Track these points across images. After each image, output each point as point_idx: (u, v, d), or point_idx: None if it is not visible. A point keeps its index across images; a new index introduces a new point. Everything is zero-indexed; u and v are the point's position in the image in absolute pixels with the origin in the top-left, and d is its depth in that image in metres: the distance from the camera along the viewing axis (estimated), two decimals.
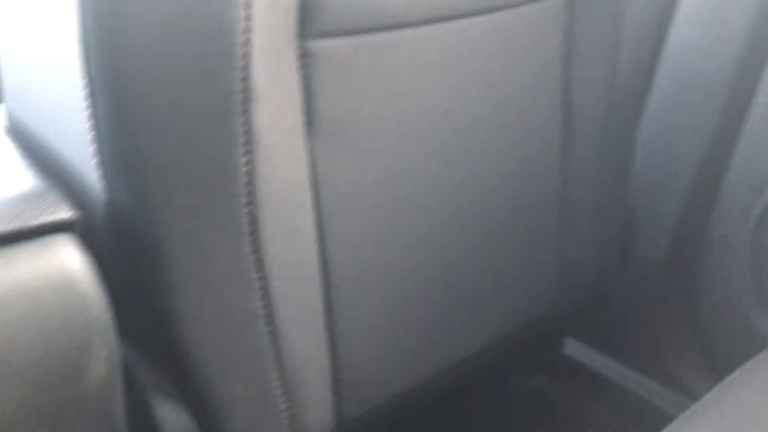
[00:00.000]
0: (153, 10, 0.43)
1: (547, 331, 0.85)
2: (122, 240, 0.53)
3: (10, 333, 0.43)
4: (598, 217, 0.75)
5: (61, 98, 0.55)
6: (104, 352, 0.46)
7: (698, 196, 0.80)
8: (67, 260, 0.46)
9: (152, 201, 0.50)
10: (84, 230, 0.48)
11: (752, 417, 0.47)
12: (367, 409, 0.63)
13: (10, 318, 0.43)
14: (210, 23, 0.43)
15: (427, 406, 0.74)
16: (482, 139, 0.62)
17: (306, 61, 0.50)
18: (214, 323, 0.53)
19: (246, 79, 0.44)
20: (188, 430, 0.55)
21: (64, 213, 0.47)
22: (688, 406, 0.50)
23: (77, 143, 0.53)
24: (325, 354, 0.58)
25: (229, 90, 0.44)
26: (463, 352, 0.70)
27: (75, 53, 0.48)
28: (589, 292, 0.81)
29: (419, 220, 0.61)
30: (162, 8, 0.43)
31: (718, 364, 0.84)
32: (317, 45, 0.50)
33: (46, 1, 0.54)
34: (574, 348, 0.96)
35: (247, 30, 0.43)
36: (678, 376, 0.87)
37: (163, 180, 0.49)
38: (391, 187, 0.58)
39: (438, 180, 0.61)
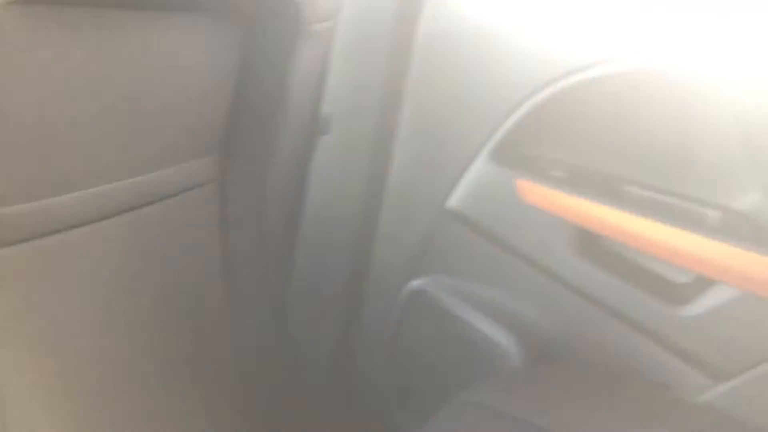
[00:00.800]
0: None
1: None
2: None
3: None
4: (265, 353, 0.87)
5: None
6: None
7: (344, 312, 0.97)
8: None
9: None
10: None
11: None
12: None
13: None
14: None
15: None
16: (153, 314, 0.70)
17: None
18: None
19: None
20: None
21: None
22: None
23: None
24: None
25: None
26: None
27: None
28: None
29: (101, 401, 0.65)
30: None
31: None
32: None
33: None
34: None
35: None
36: None
37: None
38: (70, 377, 0.62)
39: (116, 361, 0.66)
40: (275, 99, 0.72)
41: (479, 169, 0.85)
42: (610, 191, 0.79)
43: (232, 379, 0.82)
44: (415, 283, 0.92)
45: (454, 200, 0.87)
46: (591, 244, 0.81)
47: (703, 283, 0.75)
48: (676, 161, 0.77)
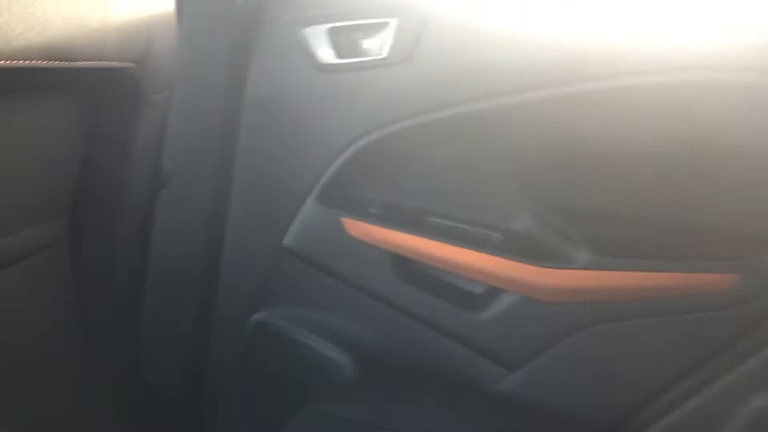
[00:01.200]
0: None
1: None
2: None
3: None
4: (120, 392, 0.93)
5: None
6: None
7: (194, 348, 1.05)
8: None
9: None
10: None
11: None
12: None
13: None
14: None
15: None
16: (10, 373, 0.74)
17: None
18: None
19: None
20: None
21: None
22: None
23: None
24: None
25: None
26: None
27: None
28: None
29: None
30: None
31: None
32: None
33: None
34: None
35: None
36: None
37: None
38: None
39: None
40: (120, 161, 0.80)
41: (308, 211, 0.97)
42: (416, 223, 0.95)
43: (89, 415, 0.86)
44: (259, 316, 1.03)
45: (289, 239, 0.99)
46: (406, 267, 0.96)
47: (493, 292, 0.93)
48: (466, 194, 0.94)
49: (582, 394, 0.93)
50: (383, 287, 0.96)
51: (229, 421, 1.07)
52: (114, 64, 0.68)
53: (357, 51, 0.92)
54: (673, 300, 0.86)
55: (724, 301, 0.85)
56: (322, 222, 0.97)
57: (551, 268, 0.88)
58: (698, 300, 0.85)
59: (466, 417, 0.85)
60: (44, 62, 0.59)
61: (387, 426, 0.79)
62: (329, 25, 0.92)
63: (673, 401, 0.91)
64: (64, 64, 0.61)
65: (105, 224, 0.82)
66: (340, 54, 0.92)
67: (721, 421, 0.89)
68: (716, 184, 0.85)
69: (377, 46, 0.90)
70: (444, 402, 0.88)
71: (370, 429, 0.77)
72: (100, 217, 0.82)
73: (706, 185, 0.86)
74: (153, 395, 1.01)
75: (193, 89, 0.92)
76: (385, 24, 0.89)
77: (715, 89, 0.79)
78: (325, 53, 0.92)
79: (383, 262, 0.95)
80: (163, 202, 0.93)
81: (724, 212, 0.86)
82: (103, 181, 0.80)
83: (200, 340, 1.04)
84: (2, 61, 0.56)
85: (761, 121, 0.80)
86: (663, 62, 0.80)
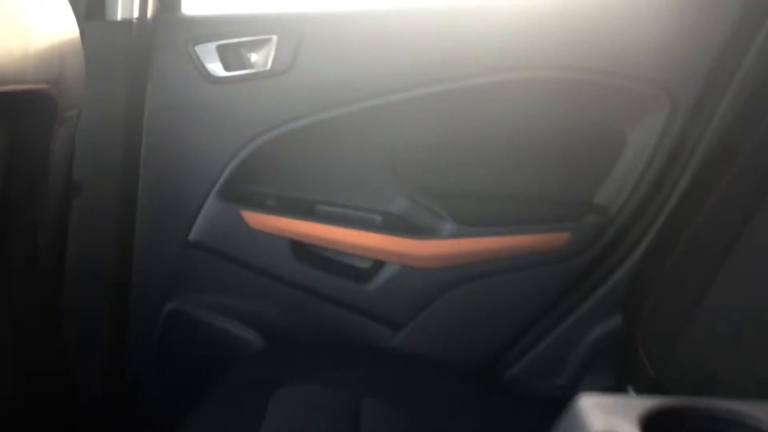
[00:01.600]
0: None
1: None
2: None
3: None
4: (45, 385, 1.01)
5: None
6: None
7: (112, 340, 1.14)
8: None
9: None
10: None
11: None
12: None
13: None
14: None
15: None
16: None
17: None
18: None
19: None
20: None
21: None
22: None
23: None
24: None
25: None
26: None
27: None
28: None
29: None
30: None
31: None
32: None
33: None
34: None
35: None
36: None
37: None
38: None
39: None
40: (38, 174, 0.88)
41: (211, 206, 1.08)
42: (308, 211, 1.10)
43: (14, 408, 0.93)
44: (172, 305, 1.13)
45: (195, 234, 1.10)
46: (302, 250, 1.10)
47: (378, 265, 1.09)
48: (349, 184, 1.10)
49: (457, 344, 1.11)
50: (283, 269, 1.10)
51: (150, 403, 1.17)
52: (33, 86, 0.77)
53: (244, 64, 1.05)
54: (521, 258, 1.05)
55: (561, 256, 1.05)
56: (224, 216, 1.09)
57: (424, 240, 1.05)
58: (541, 256, 1.05)
59: (360, 370, 1.00)
60: None
61: (291, 382, 0.91)
62: (217, 43, 1.04)
63: (533, 339, 1.10)
64: None
65: (25, 232, 0.90)
66: (228, 67, 1.04)
67: (574, 349, 1.09)
68: (545, 162, 1.05)
69: (262, 59, 1.04)
70: (341, 360, 1.02)
71: (275, 386, 0.89)
72: (21, 225, 0.90)
73: (538, 163, 1.06)
74: (75, 386, 1.09)
75: (97, 105, 1.01)
76: (268, 40, 1.03)
77: (534, 85, 0.99)
78: (215, 67, 1.04)
79: (282, 247, 1.09)
80: (76, 209, 1.02)
81: (554, 184, 1.06)
82: (22, 194, 0.88)
83: (118, 332, 1.13)
84: None
85: (568, 108, 1.01)
86: (499, 64, 0.98)
